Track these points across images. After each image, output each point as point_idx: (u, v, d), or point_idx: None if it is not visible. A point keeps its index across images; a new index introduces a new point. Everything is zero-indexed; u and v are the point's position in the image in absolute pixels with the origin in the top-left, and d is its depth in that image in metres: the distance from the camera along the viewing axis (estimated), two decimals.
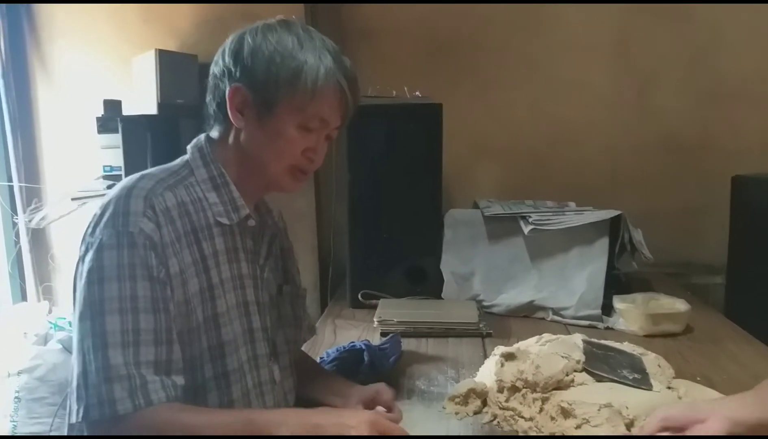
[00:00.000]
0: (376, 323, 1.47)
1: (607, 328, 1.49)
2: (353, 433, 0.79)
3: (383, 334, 1.42)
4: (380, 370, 1.19)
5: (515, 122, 2.10)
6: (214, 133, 0.95)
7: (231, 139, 0.93)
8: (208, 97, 0.94)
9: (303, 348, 1.18)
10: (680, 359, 1.28)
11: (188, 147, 0.96)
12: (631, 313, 1.45)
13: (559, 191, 1.87)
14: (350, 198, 1.66)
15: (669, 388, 1.06)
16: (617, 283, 1.62)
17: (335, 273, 2.01)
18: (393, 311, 1.51)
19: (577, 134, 2.07)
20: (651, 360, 1.14)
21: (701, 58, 2.01)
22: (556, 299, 1.56)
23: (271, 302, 1.00)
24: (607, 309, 1.53)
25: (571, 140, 2.08)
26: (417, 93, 1.68)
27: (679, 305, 1.47)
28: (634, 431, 0.93)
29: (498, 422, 1.02)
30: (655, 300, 1.50)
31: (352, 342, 1.29)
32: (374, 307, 1.55)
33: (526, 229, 1.60)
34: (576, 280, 1.57)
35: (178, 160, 0.95)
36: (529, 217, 1.61)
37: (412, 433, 0.97)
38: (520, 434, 0.98)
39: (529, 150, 2.09)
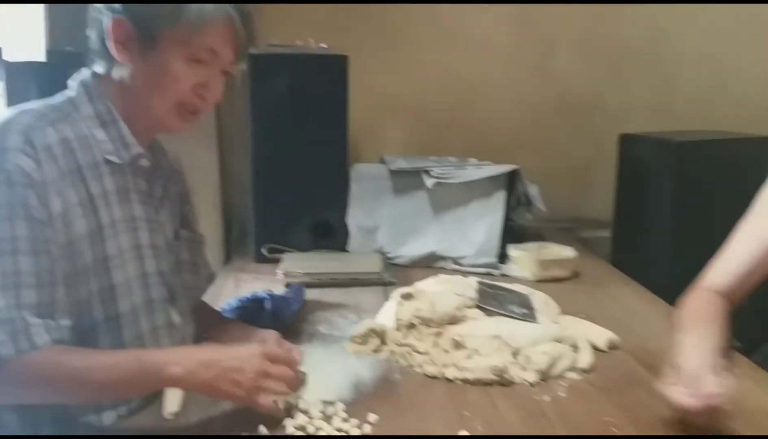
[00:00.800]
0: (280, 275, 1.47)
1: (503, 275, 1.57)
2: (247, 366, 0.80)
3: (287, 286, 1.43)
4: (282, 319, 1.20)
5: (422, 80, 2.13)
6: (99, 69, 0.90)
7: (116, 74, 0.88)
8: (91, 31, 0.89)
9: (204, 299, 1.17)
10: (567, 299, 1.37)
11: (70, 82, 0.90)
12: (523, 259, 1.54)
13: (461, 149, 1.92)
14: (254, 150, 1.63)
15: (555, 323, 1.14)
16: (513, 234, 1.71)
17: (240, 232, 1.98)
18: (298, 263, 1.52)
19: (481, 94, 2.13)
20: (538, 298, 1.23)
21: (596, 22, 2.11)
22: (456, 249, 1.62)
23: (167, 247, 0.98)
24: (504, 258, 1.62)
25: (475, 99, 2.14)
26: (322, 45, 1.66)
27: (567, 253, 1.57)
28: (520, 360, 1.00)
29: (396, 358, 1.07)
30: (546, 248, 1.60)
31: (254, 292, 1.29)
32: (279, 261, 1.55)
33: (429, 182, 1.64)
34: (475, 231, 1.64)
35: (60, 96, 0.89)
36: (432, 171, 1.66)
37: (312, 373, 0.99)
38: (415, 366, 1.03)
39: (434, 108, 2.13)
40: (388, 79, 2.11)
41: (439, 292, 1.11)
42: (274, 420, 0.83)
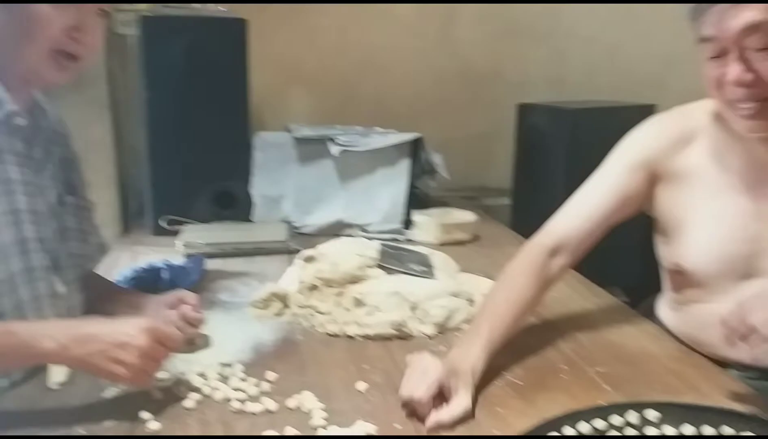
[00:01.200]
0: (179, 246, 1.42)
1: (408, 240, 1.60)
2: (132, 342, 0.75)
3: (187, 257, 1.38)
4: (180, 289, 1.16)
5: (325, 48, 2.11)
6: None
7: None
8: None
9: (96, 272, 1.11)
10: (467, 260, 1.42)
11: None
12: (426, 224, 1.57)
13: (365, 117, 1.93)
14: (148, 118, 1.55)
15: (452, 280, 1.18)
16: (418, 201, 1.74)
17: (138, 206, 1.89)
18: (198, 234, 1.48)
19: (384, 62, 2.14)
20: (438, 258, 1.26)
21: None
22: (362, 216, 1.63)
23: (49, 212, 0.92)
24: (408, 225, 1.65)
25: (378, 68, 2.14)
26: (220, 8, 1.61)
27: (468, 217, 1.63)
28: (418, 314, 1.03)
29: (298, 320, 1.07)
30: (448, 214, 1.65)
31: (150, 262, 1.24)
32: (178, 233, 1.50)
33: (335, 150, 1.64)
34: (380, 198, 1.66)
35: None
36: (338, 139, 1.65)
37: (215, 337, 0.98)
38: (317, 326, 1.03)
39: (338, 77, 2.12)
40: (291, 48, 2.08)
41: (340, 253, 1.12)
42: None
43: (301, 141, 1.67)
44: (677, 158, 0.99)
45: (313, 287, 1.08)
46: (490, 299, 0.97)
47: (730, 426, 0.73)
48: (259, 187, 1.66)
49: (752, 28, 0.80)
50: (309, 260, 1.11)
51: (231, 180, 1.64)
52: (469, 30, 2.18)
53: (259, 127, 1.81)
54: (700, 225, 0.95)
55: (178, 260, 1.31)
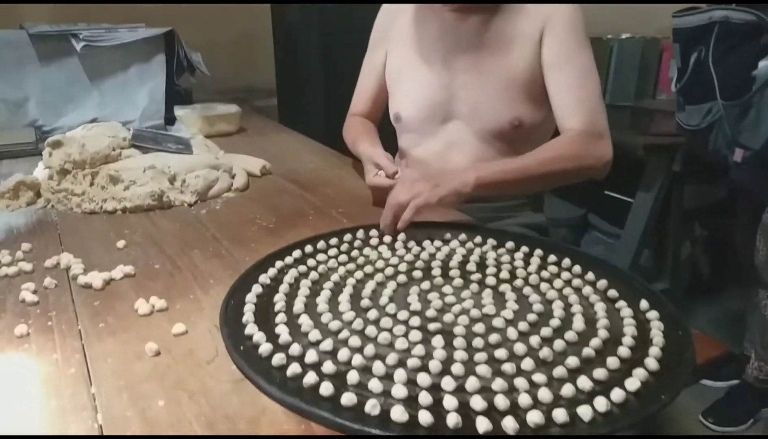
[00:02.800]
0: None
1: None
2: None
3: None
4: None
5: None
6: None
7: None
8: None
9: None
10: (231, 147, 1.50)
11: None
12: (189, 117, 1.60)
13: (114, 20, 1.84)
14: None
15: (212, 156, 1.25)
16: (180, 99, 1.75)
17: None
18: None
19: None
20: (199, 141, 1.32)
21: None
22: (120, 115, 1.60)
23: None
24: (172, 122, 1.65)
25: None
26: None
27: (231, 109, 1.69)
28: (177, 185, 1.09)
29: (52, 205, 1.06)
30: (212, 107, 1.69)
31: None
32: None
33: (79, 46, 1.55)
34: (138, 95, 1.63)
35: None
36: (81, 35, 1.57)
37: None
38: (73, 208, 1.04)
39: None
40: None
41: (89, 135, 1.12)
42: None
43: (38, 38, 1.55)
44: (393, 29, 1.19)
45: (65, 172, 1.07)
46: (350, 135, 1.26)
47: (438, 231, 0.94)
48: None
49: None
50: (55, 145, 1.10)
51: None
52: None
53: None
54: (408, 78, 1.16)
55: None
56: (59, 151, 1.08)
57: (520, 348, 0.63)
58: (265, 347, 0.61)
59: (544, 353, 0.62)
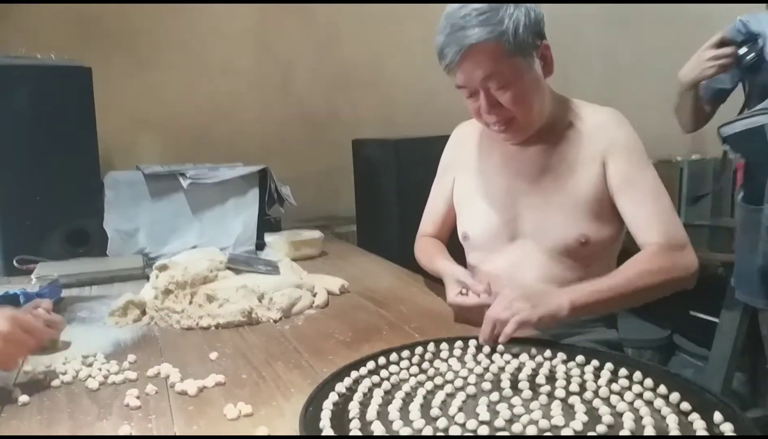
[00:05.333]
0: (34, 280, 1.47)
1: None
2: None
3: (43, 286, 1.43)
4: None
5: (172, 99, 2.26)
6: None
7: None
8: None
9: None
10: (314, 269, 1.61)
11: None
12: (277, 242, 1.75)
13: (215, 159, 2.08)
14: None
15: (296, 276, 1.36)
16: (270, 227, 1.92)
17: None
18: (53, 267, 1.52)
19: (230, 110, 2.34)
20: (285, 263, 1.44)
21: (327, 47, 2.47)
22: (216, 242, 1.77)
23: None
24: (262, 247, 1.81)
25: (225, 115, 2.33)
26: (65, 57, 1.71)
27: (315, 234, 1.83)
28: (265, 302, 1.19)
29: (155, 322, 1.18)
30: (297, 233, 1.84)
31: (6, 290, 1.28)
32: (32, 271, 1.53)
33: (185, 183, 1.77)
34: (233, 225, 1.81)
35: None
36: (187, 173, 1.79)
37: (72, 342, 1.06)
38: (173, 324, 1.16)
39: (186, 124, 2.27)
40: (138, 98, 2.20)
41: (191, 260, 1.26)
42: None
43: (151, 177, 1.78)
44: (460, 157, 1.31)
45: (168, 292, 1.20)
46: (423, 254, 1.37)
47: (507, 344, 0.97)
48: (113, 223, 1.74)
49: (488, 77, 1.10)
50: (162, 268, 1.24)
51: (83, 218, 1.70)
52: (305, 80, 2.45)
53: (111, 169, 1.90)
54: (475, 201, 1.25)
55: (33, 288, 1.36)
56: (165, 273, 1.22)
57: None
58: None
59: None
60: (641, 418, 0.72)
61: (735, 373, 1.78)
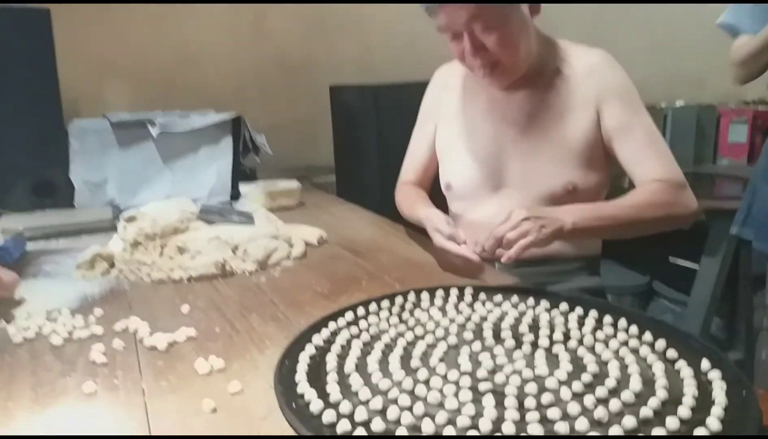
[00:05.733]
0: None
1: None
2: None
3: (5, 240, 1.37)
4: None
5: (139, 44, 2.14)
6: None
7: None
8: None
9: None
10: (291, 219, 1.56)
11: None
12: (252, 192, 1.69)
13: (186, 106, 1.99)
14: None
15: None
16: (246, 177, 1.86)
17: None
18: (17, 220, 1.46)
19: (200, 55, 2.23)
20: (261, 214, 1.39)
21: None
22: (190, 192, 1.70)
23: None
24: (237, 197, 1.75)
25: (195, 60, 2.23)
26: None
27: (292, 184, 1.77)
28: (239, 254, 1.15)
29: (124, 275, 1.13)
30: (273, 183, 1.78)
31: None
32: None
33: (155, 132, 1.69)
34: (206, 175, 1.74)
35: None
36: (157, 121, 1.71)
37: (36, 296, 1.01)
38: (143, 277, 1.11)
39: (154, 70, 2.17)
40: (104, 45, 2.09)
41: (160, 210, 1.20)
42: None
43: (118, 125, 1.69)
44: (443, 103, 1.25)
45: (137, 244, 1.15)
46: (405, 202, 1.32)
47: (489, 293, 0.95)
48: (80, 174, 1.66)
49: (473, 18, 1.03)
50: (130, 220, 1.18)
51: (48, 169, 1.62)
52: (281, 22, 2.33)
53: (76, 117, 1.81)
54: (458, 149, 1.20)
55: None
56: (133, 225, 1.17)
57: (573, 408, 0.61)
58: (315, 405, 0.62)
59: (599, 413, 0.60)
60: (626, 366, 0.71)
61: (714, 318, 1.80)
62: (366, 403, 0.64)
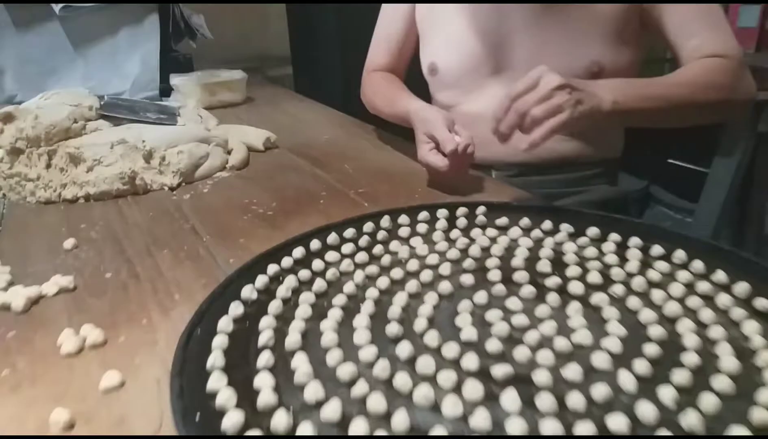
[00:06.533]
0: None
1: None
2: None
3: None
4: None
5: None
6: None
7: None
8: None
9: None
10: (235, 118, 1.28)
11: None
12: (186, 86, 1.38)
13: None
14: None
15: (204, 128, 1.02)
16: (180, 67, 1.53)
17: None
18: None
19: None
20: (189, 110, 1.09)
21: None
22: (109, 86, 1.39)
23: None
24: (168, 92, 1.43)
25: None
26: None
27: (236, 74, 1.45)
28: (155, 164, 0.86)
29: (4, 194, 0.85)
30: (213, 74, 1.46)
31: None
32: None
33: (58, 8, 1.34)
34: (129, 63, 1.41)
35: None
36: None
37: None
38: (27, 197, 0.83)
39: None
40: None
41: (47, 105, 0.90)
42: None
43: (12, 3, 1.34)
44: None
45: (17, 151, 0.85)
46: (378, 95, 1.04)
47: (491, 213, 0.70)
48: None
49: None
50: (7, 119, 0.88)
51: None
52: None
53: None
54: (447, 20, 0.91)
55: None
56: (11, 125, 0.87)
57: (647, 411, 0.38)
58: (232, 418, 0.38)
59: (690, 419, 0.37)
60: (705, 327, 0.47)
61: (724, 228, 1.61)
62: (317, 408, 0.40)
